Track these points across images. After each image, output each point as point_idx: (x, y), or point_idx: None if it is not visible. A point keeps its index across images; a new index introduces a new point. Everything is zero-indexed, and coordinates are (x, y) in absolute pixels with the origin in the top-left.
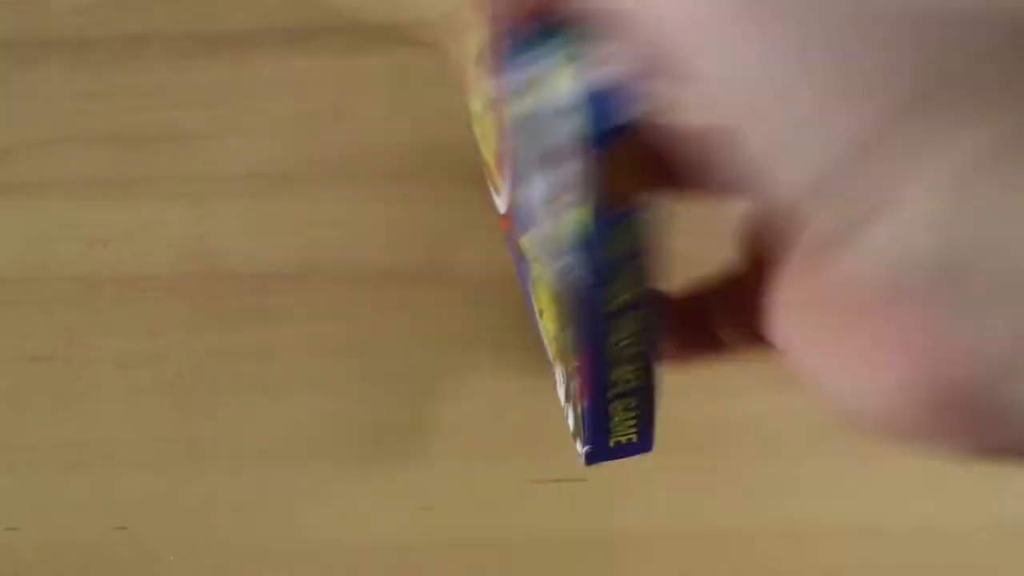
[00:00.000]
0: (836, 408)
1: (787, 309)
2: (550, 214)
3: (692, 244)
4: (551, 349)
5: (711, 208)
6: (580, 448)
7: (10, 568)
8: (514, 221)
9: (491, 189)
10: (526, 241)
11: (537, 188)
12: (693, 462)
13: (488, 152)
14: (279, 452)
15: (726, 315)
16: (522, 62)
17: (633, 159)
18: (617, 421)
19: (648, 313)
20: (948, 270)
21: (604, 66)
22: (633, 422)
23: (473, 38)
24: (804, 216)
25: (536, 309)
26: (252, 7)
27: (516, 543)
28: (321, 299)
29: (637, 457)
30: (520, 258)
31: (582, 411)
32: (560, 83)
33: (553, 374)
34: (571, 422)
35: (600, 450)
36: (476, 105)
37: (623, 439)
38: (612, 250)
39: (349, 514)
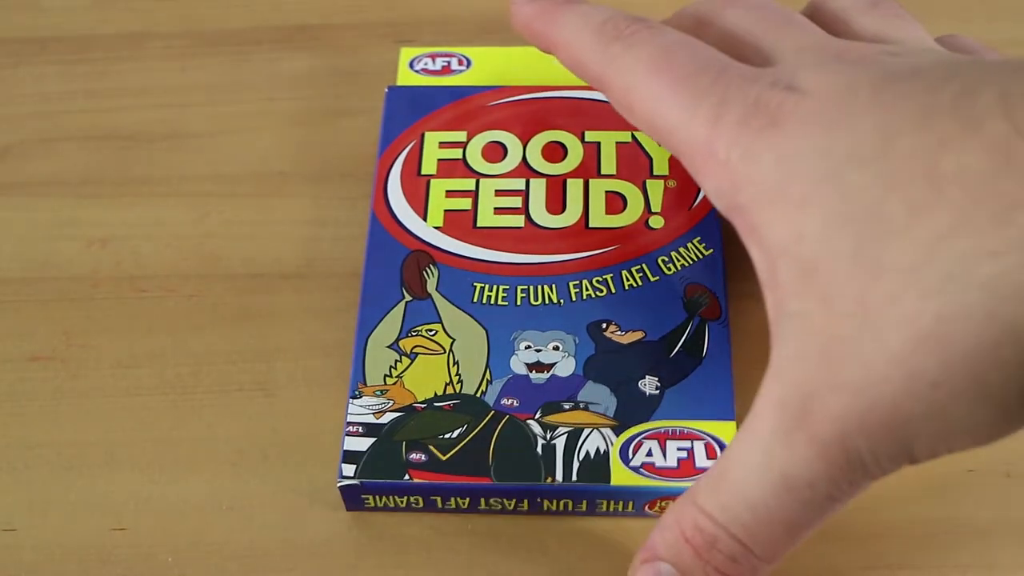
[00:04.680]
0: None
1: None
2: None
3: None
4: None
5: None
6: None
7: (7, 569)
8: None
9: None
10: None
11: None
12: None
13: None
14: (279, 452)
15: None
16: None
17: None
18: None
19: None
20: None
21: None
22: None
23: None
24: None
25: None
26: (251, 7)
27: None
28: (321, 299)
29: None
30: None
31: None
32: None
33: None
34: None
35: None
36: None
37: None
38: None
39: (350, 514)
